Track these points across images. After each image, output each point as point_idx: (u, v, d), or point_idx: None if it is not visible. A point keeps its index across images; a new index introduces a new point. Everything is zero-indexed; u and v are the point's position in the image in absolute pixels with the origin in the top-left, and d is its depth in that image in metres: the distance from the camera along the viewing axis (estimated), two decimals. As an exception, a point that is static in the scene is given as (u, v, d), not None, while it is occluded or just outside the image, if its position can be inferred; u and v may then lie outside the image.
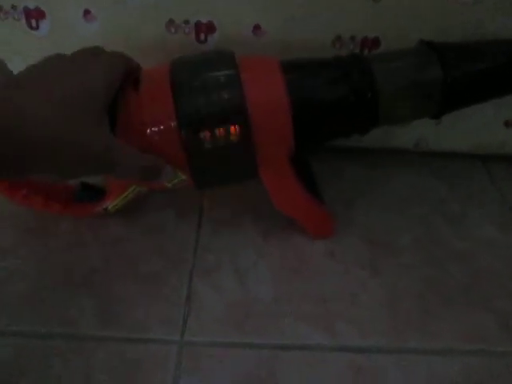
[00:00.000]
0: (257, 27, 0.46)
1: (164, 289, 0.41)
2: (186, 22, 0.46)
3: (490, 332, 0.39)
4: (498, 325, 0.39)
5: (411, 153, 0.55)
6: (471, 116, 0.51)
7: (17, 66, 0.49)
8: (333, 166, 0.54)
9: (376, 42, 0.47)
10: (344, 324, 0.39)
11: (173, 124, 0.36)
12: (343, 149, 0.54)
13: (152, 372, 0.36)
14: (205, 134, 0.37)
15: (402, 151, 0.55)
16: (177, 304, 0.40)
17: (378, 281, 0.43)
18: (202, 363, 0.36)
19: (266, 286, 0.42)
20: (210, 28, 0.47)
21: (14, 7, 0.46)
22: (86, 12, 0.46)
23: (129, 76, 0.38)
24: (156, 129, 0.37)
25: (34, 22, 0.47)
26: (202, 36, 0.47)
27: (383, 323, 0.39)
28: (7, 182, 0.43)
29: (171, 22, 0.46)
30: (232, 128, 0.37)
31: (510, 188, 0.53)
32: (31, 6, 0.46)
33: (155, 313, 0.39)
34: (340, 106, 0.40)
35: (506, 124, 0.52)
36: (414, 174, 0.54)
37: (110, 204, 0.45)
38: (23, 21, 0.47)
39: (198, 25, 0.46)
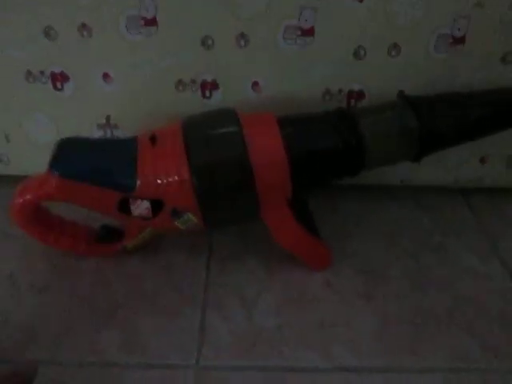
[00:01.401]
0: (255, 84, 0.53)
1: (179, 321, 0.46)
2: (193, 81, 0.53)
3: (471, 352, 0.44)
4: (478, 345, 0.44)
5: (398, 188, 0.61)
6: (449, 154, 0.57)
7: (44, 124, 0.56)
8: (328, 203, 0.60)
9: (361, 94, 0.53)
10: (341, 347, 0.44)
11: (186, 176, 0.42)
12: (337, 186, 0.60)
13: (171, 395, 0.40)
14: (215, 184, 0.43)
15: (390, 187, 0.61)
16: (191, 334, 0.45)
17: (370, 308, 0.48)
18: (215, 385, 0.41)
19: (270, 315, 0.46)
20: (214, 85, 0.53)
21: (41, 72, 0.52)
22: (105, 75, 0.52)
23: None
24: (171, 180, 0.43)
25: (59, 85, 0.53)
26: (207, 93, 0.53)
27: (376, 346, 0.44)
28: (39, 227, 0.48)
29: (180, 81, 0.53)
30: (237, 178, 0.43)
31: (489, 218, 0.59)
32: (57, 70, 0.52)
33: (173, 342, 0.44)
34: (331, 155, 0.46)
35: (482, 161, 0.58)
36: (402, 208, 0.60)
37: (129, 243, 0.51)
38: (49, 84, 0.53)
39: (203, 83, 0.53)
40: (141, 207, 0.44)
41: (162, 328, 0.45)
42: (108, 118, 0.55)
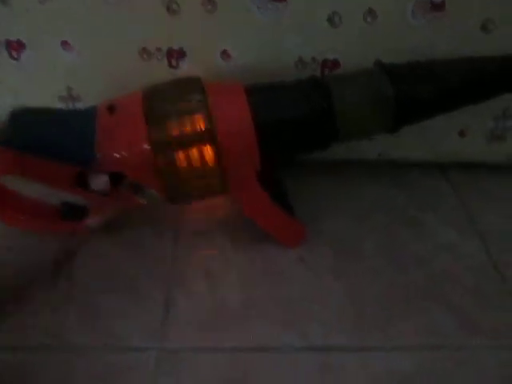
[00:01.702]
0: (224, 52, 0.50)
1: (143, 299, 0.44)
2: (159, 49, 0.50)
3: (447, 328, 0.42)
4: (452, 321, 0.43)
5: (374, 164, 0.59)
6: (428, 127, 0.55)
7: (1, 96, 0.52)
8: (303, 179, 0.57)
9: (336, 63, 0.51)
10: (311, 325, 0.42)
11: (146, 147, 0.39)
12: (312, 161, 0.58)
13: (132, 378, 0.38)
14: (177, 156, 0.40)
15: (367, 162, 0.59)
16: (155, 313, 0.43)
17: (343, 284, 0.46)
18: (179, 367, 0.39)
19: (237, 292, 0.45)
20: (180, 54, 0.50)
21: (-5, 40, 0.49)
22: (64, 43, 0.49)
23: None
24: (130, 152, 0.40)
25: (15, 54, 0.50)
26: (174, 62, 0.50)
27: (347, 324, 0.42)
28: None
29: (144, 49, 0.50)
30: (201, 149, 0.40)
31: (468, 193, 0.57)
32: (12, 38, 0.49)
33: (135, 322, 0.42)
34: (301, 125, 0.43)
35: (461, 134, 0.56)
36: (377, 183, 0.58)
37: (92, 221, 0.48)
38: (5, 53, 0.50)
39: (169, 51, 0.50)
40: (99, 181, 0.41)
41: (124, 308, 0.43)
42: (69, 89, 0.52)
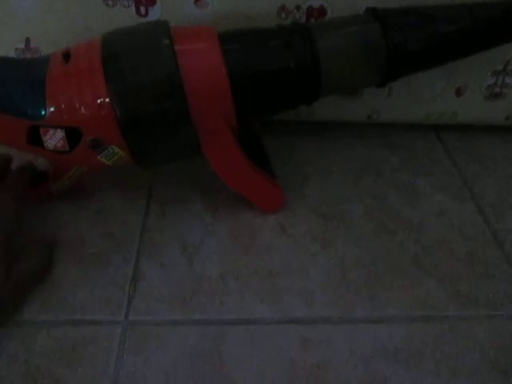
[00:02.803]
0: (199, -2, 0.45)
1: (109, 270, 0.40)
2: (124, -6, 0.45)
3: (436, 298, 0.39)
4: (445, 291, 0.39)
5: (365, 125, 0.55)
6: (422, 86, 0.51)
7: None
8: (287, 140, 0.54)
9: (322, 10, 0.46)
10: (292, 297, 0.39)
11: (104, 98, 0.35)
12: (297, 123, 0.54)
13: (95, 354, 0.35)
14: (139, 109, 0.36)
15: (356, 124, 0.55)
16: (122, 284, 0.39)
17: (328, 253, 0.42)
18: (146, 343, 0.35)
19: (213, 262, 0.41)
20: (150, 0, 0.45)
21: None
22: (20, -13, 0.44)
23: None
24: (86, 103, 0.35)
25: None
26: (143, 9, 0.45)
27: (331, 294, 0.39)
28: None
29: (108, -6, 0.44)
30: (167, 99, 0.36)
31: (463, 158, 0.53)
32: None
33: (100, 294, 0.38)
34: (281, 75, 0.39)
35: (457, 93, 0.52)
36: (367, 146, 0.54)
37: (54, 186, 0.44)
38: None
39: (137, -4, 0.45)
40: (55, 138, 0.36)
41: (87, 280, 0.39)
42: (28, 40, 0.47)
